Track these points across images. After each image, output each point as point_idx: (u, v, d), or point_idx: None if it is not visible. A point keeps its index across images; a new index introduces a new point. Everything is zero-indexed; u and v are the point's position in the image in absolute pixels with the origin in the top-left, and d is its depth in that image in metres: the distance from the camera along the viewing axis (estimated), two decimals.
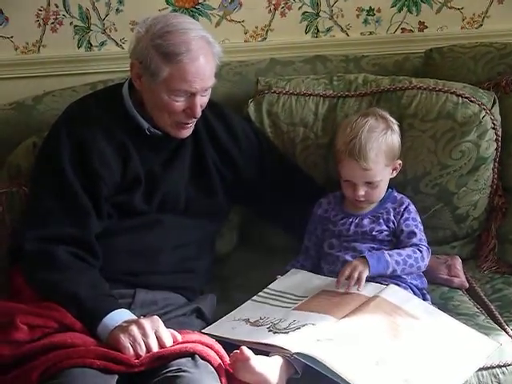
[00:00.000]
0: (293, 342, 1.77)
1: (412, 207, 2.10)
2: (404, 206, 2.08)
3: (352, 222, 2.09)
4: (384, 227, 2.07)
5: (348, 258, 2.04)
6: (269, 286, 2.04)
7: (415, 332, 1.85)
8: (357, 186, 2.04)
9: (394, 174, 2.11)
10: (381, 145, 2.03)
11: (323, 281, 2.03)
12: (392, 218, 2.07)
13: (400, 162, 2.11)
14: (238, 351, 1.73)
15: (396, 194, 2.13)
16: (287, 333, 1.82)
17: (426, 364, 1.78)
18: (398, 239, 2.07)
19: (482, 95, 2.27)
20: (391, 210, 2.08)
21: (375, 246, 2.06)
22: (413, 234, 2.05)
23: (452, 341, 1.87)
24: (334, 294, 1.96)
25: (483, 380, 1.85)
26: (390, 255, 1.99)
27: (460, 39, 2.57)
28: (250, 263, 2.33)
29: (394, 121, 2.11)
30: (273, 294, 2.01)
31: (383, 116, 2.09)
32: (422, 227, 2.08)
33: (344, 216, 2.11)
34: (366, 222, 2.08)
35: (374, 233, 2.07)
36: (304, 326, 1.83)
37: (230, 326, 1.90)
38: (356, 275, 1.94)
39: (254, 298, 2.00)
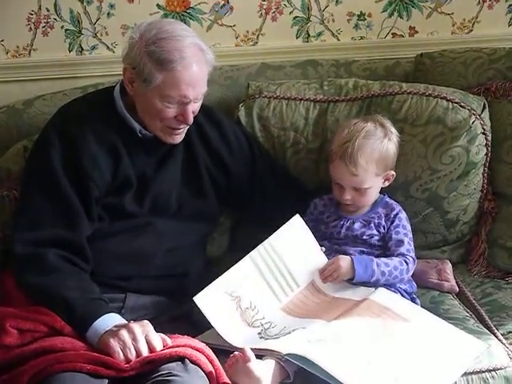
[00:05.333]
0: (284, 344, 1.77)
1: (403, 215, 2.10)
2: (395, 213, 2.09)
3: (343, 224, 2.10)
4: (375, 232, 2.08)
5: None
6: (270, 241, 2.00)
7: (405, 332, 1.86)
8: (344, 190, 2.05)
9: (386, 184, 2.11)
10: (373, 152, 2.03)
11: (316, 258, 2.03)
12: (383, 223, 2.08)
13: (393, 173, 2.10)
14: (239, 352, 1.73)
15: (388, 199, 2.13)
16: (278, 338, 1.83)
17: (416, 363, 1.79)
18: (386, 245, 2.08)
19: (472, 100, 2.28)
20: (382, 215, 2.09)
21: (365, 249, 2.07)
22: (401, 242, 2.06)
23: (441, 341, 1.88)
24: (323, 295, 1.98)
25: None
26: (377, 265, 2.00)
27: (450, 44, 2.58)
28: None
29: (395, 131, 2.11)
30: (269, 256, 1.99)
31: (383, 124, 2.09)
32: (411, 236, 2.09)
33: (336, 218, 2.12)
34: (357, 225, 2.09)
35: (364, 237, 2.07)
36: (294, 330, 1.84)
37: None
38: (335, 276, 1.98)
39: (252, 254, 1.97)
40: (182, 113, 1.97)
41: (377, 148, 2.04)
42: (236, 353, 1.74)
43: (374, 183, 2.06)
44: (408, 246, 2.06)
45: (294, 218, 2.04)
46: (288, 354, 1.74)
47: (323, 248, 2.06)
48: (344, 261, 1.99)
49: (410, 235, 2.09)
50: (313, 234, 2.08)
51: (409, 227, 2.10)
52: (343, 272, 1.98)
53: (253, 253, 1.97)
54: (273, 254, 1.99)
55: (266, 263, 1.98)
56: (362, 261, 2.00)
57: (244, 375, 1.72)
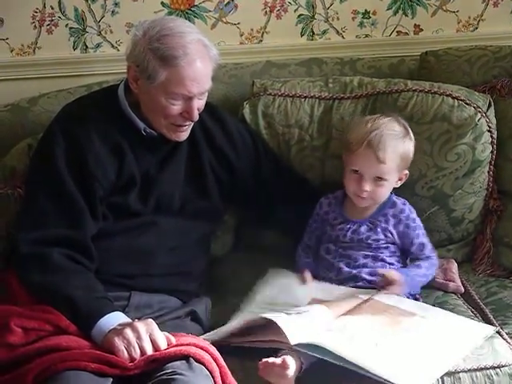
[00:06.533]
0: (293, 332, 1.75)
1: (414, 214, 2.09)
2: (405, 215, 2.08)
3: (349, 228, 2.08)
4: (381, 236, 2.07)
5: (342, 265, 2.05)
6: (256, 299, 2.01)
7: (412, 321, 1.87)
8: (364, 180, 2.02)
9: (399, 183, 2.10)
10: (398, 145, 2.03)
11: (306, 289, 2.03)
12: (390, 228, 2.07)
13: (407, 172, 2.10)
14: (279, 359, 1.73)
15: (395, 198, 2.12)
16: (289, 314, 1.82)
17: (425, 343, 1.81)
18: (407, 250, 2.08)
19: (477, 98, 2.28)
20: (390, 218, 2.07)
21: (370, 253, 2.06)
22: (423, 245, 2.07)
23: (450, 326, 1.90)
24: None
25: (477, 381, 1.85)
26: (419, 276, 2.03)
27: (455, 42, 2.58)
28: (245, 265, 2.32)
29: (411, 131, 2.11)
30: (263, 307, 1.97)
31: (403, 124, 2.10)
32: (424, 231, 2.09)
33: (342, 221, 2.11)
34: (363, 229, 2.07)
35: (369, 241, 2.06)
36: (305, 312, 1.84)
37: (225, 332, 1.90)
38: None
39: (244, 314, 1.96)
40: (187, 109, 1.97)
41: (400, 143, 2.04)
42: (277, 361, 1.74)
43: (392, 177, 2.05)
44: (429, 246, 2.07)
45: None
46: (297, 344, 1.74)
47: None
48: (396, 280, 1.98)
49: (424, 231, 2.09)
50: (319, 236, 2.11)
51: (420, 222, 2.09)
52: (396, 291, 1.98)
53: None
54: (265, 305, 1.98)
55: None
56: (407, 278, 2.00)
57: (279, 377, 1.74)
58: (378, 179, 2.02)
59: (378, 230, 2.07)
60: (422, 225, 2.10)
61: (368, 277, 2.03)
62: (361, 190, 2.03)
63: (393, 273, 1.99)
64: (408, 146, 2.07)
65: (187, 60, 1.93)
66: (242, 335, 1.85)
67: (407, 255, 2.10)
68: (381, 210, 2.09)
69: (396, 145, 2.02)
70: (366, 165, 2.02)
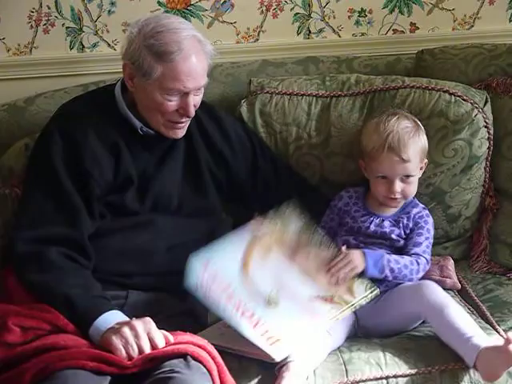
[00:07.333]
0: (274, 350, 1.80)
1: (430, 219, 2.10)
2: (421, 215, 2.09)
3: (373, 221, 2.09)
4: (402, 232, 2.07)
5: None
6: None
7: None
8: (393, 182, 2.04)
9: (421, 173, 2.12)
10: (416, 141, 2.06)
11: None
12: (411, 225, 2.07)
13: (426, 160, 2.13)
14: None
15: (417, 200, 2.13)
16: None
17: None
18: (404, 244, 2.07)
19: (474, 94, 2.29)
20: (412, 215, 2.08)
21: (391, 249, 2.06)
22: (419, 244, 2.05)
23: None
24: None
25: (474, 377, 1.86)
26: (388, 260, 1.99)
27: (451, 40, 2.58)
28: None
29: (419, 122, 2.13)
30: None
31: (411, 116, 2.12)
32: (431, 242, 2.08)
33: (365, 213, 2.11)
34: (386, 223, 2.08)
35: (392, 235, 2.06)
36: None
37: (218, 332, 1.92)
38: (347, 270, 1.96)
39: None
40: (183, 105, 1.98)
41: (417, 138, 2.07)
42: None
43: (417, 172, 2.08)
44: (425, 248, 2.05)
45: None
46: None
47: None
48: (355, 254, 1.99)
49: (431, 241, 2.08)
50: (335, 226, 2.12)
51: (432, 233, 2.09)
52: (354, 266, 1.96)
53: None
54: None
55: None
56: (372, 255, 1.99)
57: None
58: (406, 177, 2.05)
59: (401, 225, 2.07)
60: (432, 233, 2.09)
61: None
62: (392, 192, 2.04)
63: (349, 251, 1.99)
64: (423, 137, 2.10)
65: (182, 55, 1.93)
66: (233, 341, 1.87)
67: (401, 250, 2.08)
68: (404, 208, 2.10)
69: (414, 141, 2.06)
70: (393, 168, 2.04)
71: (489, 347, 1.81)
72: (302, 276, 1.95)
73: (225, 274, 1.90)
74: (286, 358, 1.80)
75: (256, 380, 1.82)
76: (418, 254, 2.03)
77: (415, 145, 2.06)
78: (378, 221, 2.09)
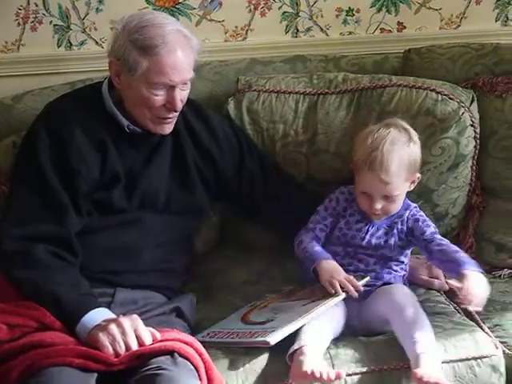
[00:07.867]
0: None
1: (423, 214, 2.08)
2: (420, 214, 2.07)
3: (368, 230, 2.04)
4: (396, 238, 2.04)
5: (351, 269, 2.03)
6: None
7: None
8: (374, 200, 1.98)
9: (412, 187, 2.06)
10: (403, 158, 1.97)
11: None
12: (405, 228, 2.05)
13: (419, 175, 2.06)
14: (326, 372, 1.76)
15: (409, 201, 2.10)
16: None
17: None
18: (418, 240, 2.04)
19: (460, 93, 2.30)
20: (405, 218, 2.05)
21: (381, 259, 2.04)
22: (435, 232, 2.03)
23: None
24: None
25: (459, 371, 1.86)
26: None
27: (438, 40, 2.58)
28: (230, 262, 2.33)
29: (414, 132, 2.05)
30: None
31: (405, 128, 2.03)
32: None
33: (360, 219, 2.06)
34: (380, 232, 2.05)
35: (383, 244, 2.04)
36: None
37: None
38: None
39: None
40: (170, 99, 1.97)
41: (405, 153, 1.98)
42: (324, 375, 1.76)
43: (403, 189, 2.01)
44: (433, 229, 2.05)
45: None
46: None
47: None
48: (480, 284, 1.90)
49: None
50: (329, 225, 2.09)
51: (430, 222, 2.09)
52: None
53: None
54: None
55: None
56: (470, 262, 1.95)
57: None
58: (388, 197, 1.99)
59: (395, 232, 2.04)
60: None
61: (373, 281, 2.02)
62: (373, 209, 2.00)
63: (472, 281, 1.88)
64: (413, 150, 2.01)
65: (167, 49, 1.93)
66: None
67: (416, 245, 2.06)
68: (398, 211, 2.05)
69: (400, 158, 1.97)
70: (373, 186, 1.97)
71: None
72: (299, 301, 1.98)
73: (226, 326, 1.98)
74: (298, 343, 1.81)
75: (244, 376, 1.83)
76: (442, 239, 2.02)
77: (400, 161, 1.96)
78: (372, 230, 2.04)
